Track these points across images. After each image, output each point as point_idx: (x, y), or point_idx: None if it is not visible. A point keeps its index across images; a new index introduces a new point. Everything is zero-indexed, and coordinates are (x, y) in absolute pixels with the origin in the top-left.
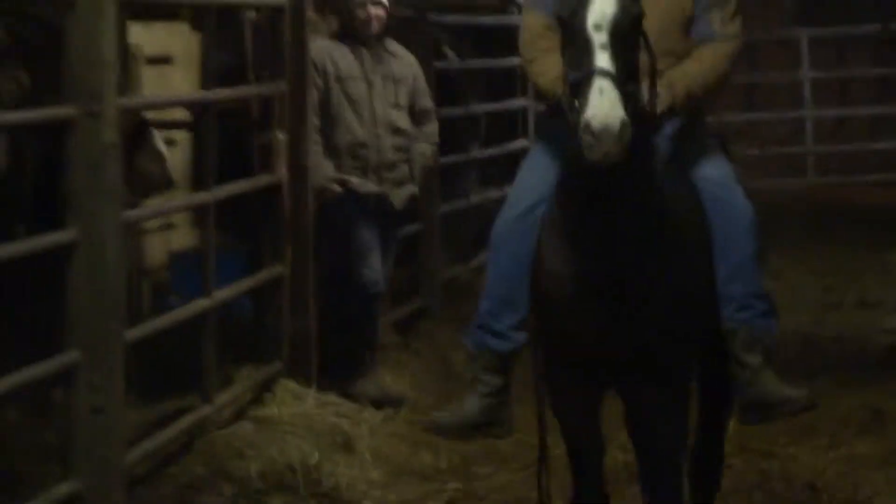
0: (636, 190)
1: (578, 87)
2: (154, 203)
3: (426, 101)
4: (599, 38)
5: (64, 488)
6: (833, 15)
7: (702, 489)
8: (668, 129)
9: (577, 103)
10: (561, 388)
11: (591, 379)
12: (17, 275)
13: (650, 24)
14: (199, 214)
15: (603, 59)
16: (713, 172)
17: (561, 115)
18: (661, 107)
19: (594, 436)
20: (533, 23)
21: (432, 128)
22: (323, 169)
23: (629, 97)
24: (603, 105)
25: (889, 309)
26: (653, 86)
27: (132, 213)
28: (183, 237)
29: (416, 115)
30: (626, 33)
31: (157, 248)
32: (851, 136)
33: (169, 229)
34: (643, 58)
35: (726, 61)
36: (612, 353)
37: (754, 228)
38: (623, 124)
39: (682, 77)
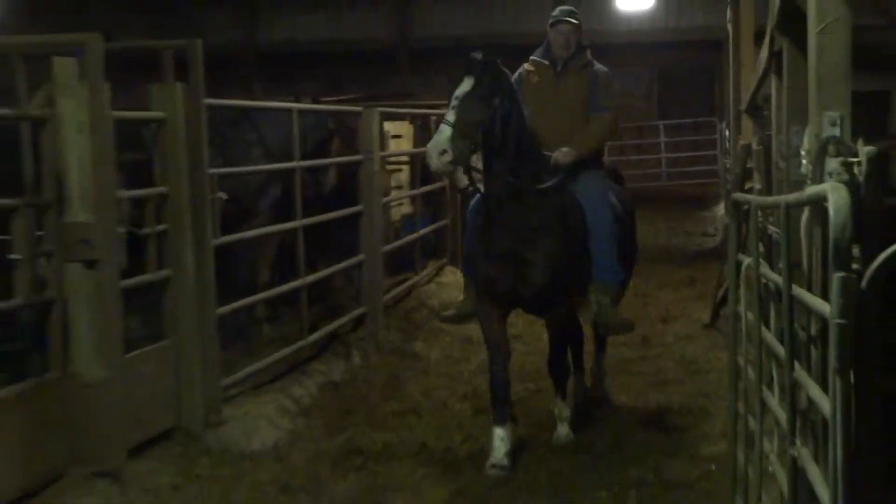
0: (525, 200)
1: None
2: (395, 195)
3: None
4: (453, 103)
5: (357, 311)
6: (675, 115)
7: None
8: (573, 169)
9: None
10: (484, 311)
11: (499, 307)
12: (338, 228)
13: (573, 107)
14: (412, 200)
15: (450, 115)
16: (595, 193)
17: None
18: (571, 157)
19: (502, 336)
20: None
21: None
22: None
23: (467, 138)
24: (434, 139)
25: (697, 235)
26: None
27: (386, 199)
28: (406, 208)
29: None
30: (472, 103)
31: (396, 213)
32: (680, 165)
33: (401, 205)
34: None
35: (608, 125)
36: (509, 296)
37: (612, 225)
38: (441, 152)
39: (582, 139)
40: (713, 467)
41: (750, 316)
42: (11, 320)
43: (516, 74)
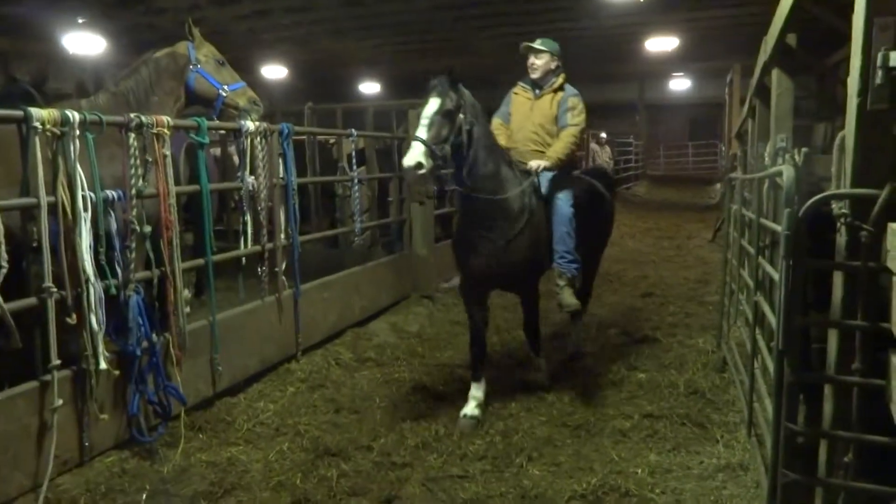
0: (493, 205)
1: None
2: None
3: None
4: (423, 122)
5: None
6: (698, 139)
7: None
8: (547, 176)
9: None
10: (466, 290)
11: (476, 287)
12: None
13: (545, 123)
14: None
15: (420, 132)
16: (561, 196)
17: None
18: (545, 166)
19: (482, 311)
20: (494, 122)
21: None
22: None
23: (437, 153)
24: (408, 155)
25: (706, 198)
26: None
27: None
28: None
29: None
30: (441, 120)
31: None
32: (699, 164)
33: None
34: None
35: (573, 138)
36: (482, 278)
37: (570, 222)
38: (416, 164)
39: (553, 152)
40: (711, 308)
41: (734, 233)
42: (388, 228)
43: (507, 95)
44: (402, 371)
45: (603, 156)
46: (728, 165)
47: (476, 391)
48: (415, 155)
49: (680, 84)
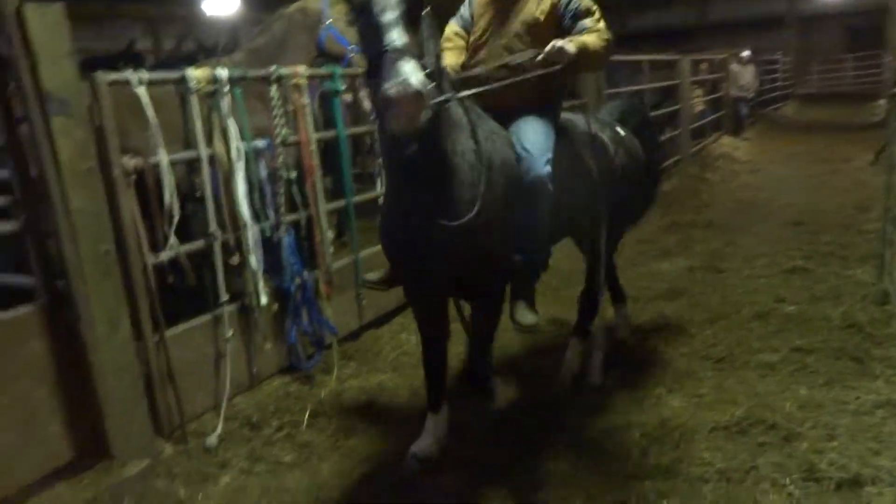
0: (438, 164)
1: (378, 66)
2: (696, 100)
3: None
4: (391, 20)
5: (677, 157)
6: (857, 50)
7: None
8: (528, 123)
9: (377, 83)
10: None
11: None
12: (670, 116)
13: (535, 32)
14: (704, 103)
15: (396, 38)
16: (534, 147)
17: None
18: (566, 55)
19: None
20: (447, 30)
21: None
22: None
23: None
24: (405, 71)
25: (868, 116)
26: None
27: (690, 101)
28: (701, 106)
29: None
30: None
31: (696, 107)
32: (859, 77)
33: (699, 105)
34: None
35: (605, 41)
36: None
37: (546, 192)
38: (415, 97)
39: (580, 39)
40: (871, 236)
41: None
42: None
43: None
44: (537, 303)
45: (746, 75)
46: (893, 78)
47: (431, 423)
48: (418, 81)
49: None
